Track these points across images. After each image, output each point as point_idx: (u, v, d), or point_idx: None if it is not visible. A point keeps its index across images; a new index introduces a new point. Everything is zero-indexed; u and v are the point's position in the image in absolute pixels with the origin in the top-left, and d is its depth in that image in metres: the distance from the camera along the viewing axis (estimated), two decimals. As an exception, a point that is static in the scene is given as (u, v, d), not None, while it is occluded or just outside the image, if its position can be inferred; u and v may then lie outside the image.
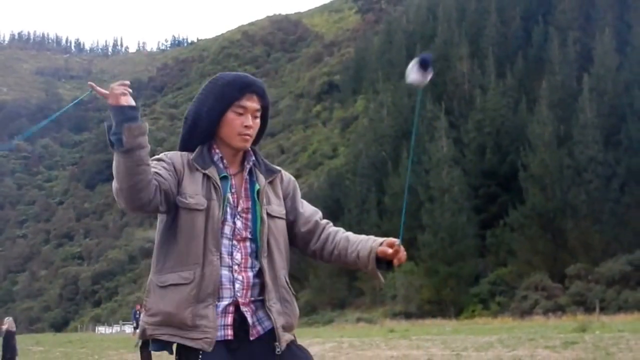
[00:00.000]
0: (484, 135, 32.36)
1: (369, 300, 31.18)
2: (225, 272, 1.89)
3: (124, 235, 74.15)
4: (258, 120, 2.01)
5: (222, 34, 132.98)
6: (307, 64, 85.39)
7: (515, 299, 26.23)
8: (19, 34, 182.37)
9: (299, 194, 2.12)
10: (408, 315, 26.59)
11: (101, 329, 44.84)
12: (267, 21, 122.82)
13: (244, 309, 1.89)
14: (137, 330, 1.99)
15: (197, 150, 1.97)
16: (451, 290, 27.54)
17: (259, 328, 1.91)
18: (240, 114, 1.97)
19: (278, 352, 1.90)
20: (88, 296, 65.78)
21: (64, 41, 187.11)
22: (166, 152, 1.99)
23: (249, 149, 2.03)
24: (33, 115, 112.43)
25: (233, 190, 1.96)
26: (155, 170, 1.85)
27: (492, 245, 29.62)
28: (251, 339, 1.89)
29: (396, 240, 1.91)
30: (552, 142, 28.65)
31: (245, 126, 1.96)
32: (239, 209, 1.95)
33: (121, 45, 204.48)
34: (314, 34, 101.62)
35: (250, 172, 2.01)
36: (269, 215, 1.97)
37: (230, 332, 1.87)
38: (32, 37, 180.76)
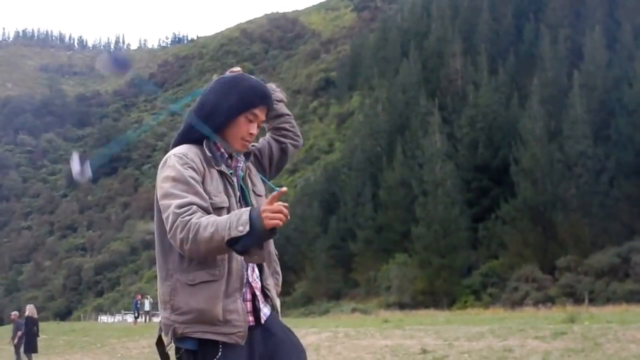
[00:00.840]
0: (476, 130, 32.69)
1: (363, 291, 31.58)
2: (239, 259, 1.92)
3: (125, 228, 74.66)
4: (257, 129, 2.07)
5: (221, 32, 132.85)
6: (304, 61, 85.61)
7: (506, 290, 26.54)
8: (23, 31, 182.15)
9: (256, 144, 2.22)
10: (402, 306, 26.85)
11: (103, 318, 45.18)
12: (265, 19, 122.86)
13: (257, 293, 1.97)
14: (161, 330, 1.96)
15: (205, 145, 1.99)
16: (444, 282, 27.87)
17: (263, 315, 1.98)
18: (250, 121, 2.00)
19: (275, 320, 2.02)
20: (91, 286, 66.31)
21: (67, 38, 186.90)
22: (185, 153, 1.95)
23: None
24: (37, 111, 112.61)
25: (237, 186, 2.02)
26: (201, 210, 1.84)
27: (484, 237, 29.95)
28: (262, 322, 1.97)
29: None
30: (543, 136, 28.97)
31: (250, 133, 2.01)
32: (239, 202, 2.00)
33: (123, 42, 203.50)
34: (310, 32, 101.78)
35: (236, 161, 2.07)
36: (256, 195, 2.06)
37: (251, 318, 1.93)
38: (36, 34, 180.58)
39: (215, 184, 1.93)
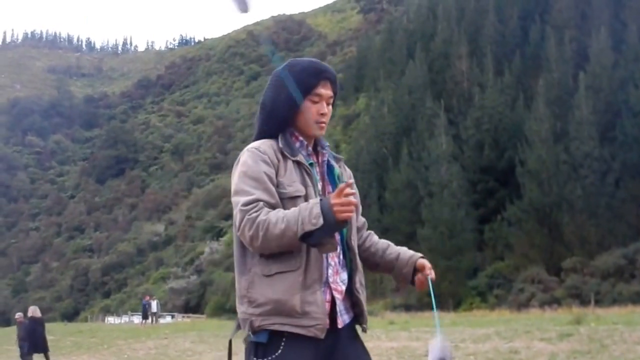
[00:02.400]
0: (482, 132, 32.71)
1: (369, 293, 31.41)
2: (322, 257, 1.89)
3: (132, 229, 75.05)
4: (331, 107, 2.00)
5: (228, 34, 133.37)
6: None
7: (512, 292, 26.55)
8: (31, 33, 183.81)
9: (355, 185, 2.05)
10: (408, 308, 26.90)
11: (110, 319, 45.41)
12: (271, 21, 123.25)
13: (336, 295, 1.88)
14: (239, 323, 1.91)
15: (280, 138, 1.95)
16: (450, 283, 27.89)
17: (340, 320, 1.90)
18: (316, 102, 1.95)
19: (365, 329, 1.98)
20: (98, 287, 66.65)
21: (75, 40, 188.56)
22: (257, 147, 1.92)
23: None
24: (45, 112, 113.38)
25: (319, 177, 1.97)
26: (269, 203, 1.82)
27: (490, 239, 29.97)
28: (339, 327, 1.88)
29: (428, 264, 2.01)
30: (549, 138, 28.97)
31: (322, 114, 1.95)
32: (326, 193, 1.94)
33: (131, 44, 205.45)
34: (317, 34, 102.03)
35: (327, 157, 2.03)
36: None
37: (327, 320, 1.85)
38: (44, 36, 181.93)
39: (289, 174, 1.89)
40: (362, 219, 2.10)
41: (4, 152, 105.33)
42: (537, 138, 28.99)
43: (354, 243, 1.96)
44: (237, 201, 1.84)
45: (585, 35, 32.35)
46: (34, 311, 13.25)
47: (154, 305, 31.91)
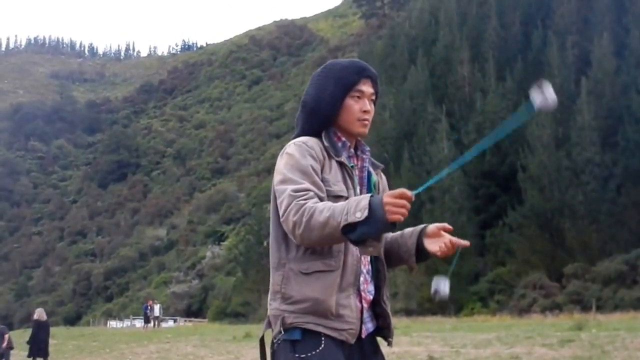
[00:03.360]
0: (484, 137, 32.65)
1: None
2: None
3: (134, 233, 75.15)
4: (373, 106, 1.98)
5: (230, 39, 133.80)
6: (312, 68, 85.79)
7: (513, 298, 26.55)
8: (34, 38, 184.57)
9: None
10: (409, 313, 26.94)
11: (112, 323, 45.52)
12: (273, 26, 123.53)
13: (364, 304, 1.87)
14: (269, 320, 1.87)
15: (324, 136, 1.92)
16: (451, 289, 27.75)
17: (364, 329, 1.87)
18: (358, 99, 1.93)
19: (391, 342, 1.93)
20: (100, 291, 66.76)
21: (78, 45, 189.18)
22: (305, 141, 1.89)
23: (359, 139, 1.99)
24: (48, 117, 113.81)
25: (357, 181, 1.94)
26: (318, 195, 1.79)
27: (491, 244, 29.97)
28: (362, 337, 1.86)
29: (450, 228, 1.91)
30: (551, 144, 28.98)
31: (364, 111, 1.93)
32: None
33: (133, 49, 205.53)
34: (319, 39, 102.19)
35: (365, 162, 1.98)
36: None
37: (359, 326, 1.84)
38: (47, 42, 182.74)
39: (334, 173, 1.86)
40: None
41: (7, 157, 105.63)
42: (539, 143, 29.01)
43: (384, 257, 1.92)
44: (285, 188, 1.78)
45: (587, 40, 32.39)
46: (39, 314, 13.19)
47: (157, 310, 31.95)
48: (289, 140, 1.95)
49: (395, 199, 1.62)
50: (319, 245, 1.76)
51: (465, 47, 36.62)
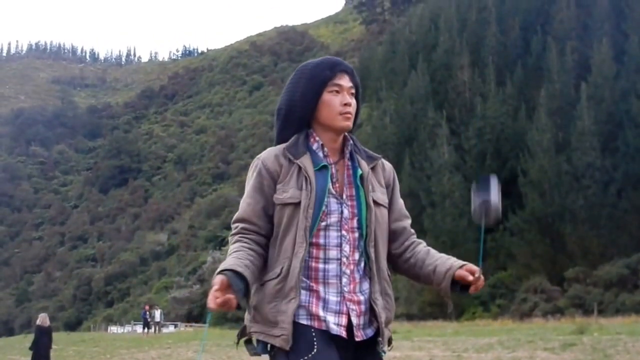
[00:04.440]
0: (484, 142, 32.78)
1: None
2: (332, 266, 1.80)
3: (135, 238, 75.16)
4: (354, 100, 1.90)
5: (231, 44, 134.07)
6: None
7: (515, 302, 26.55)
8: (36, 44, 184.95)
9: (398, 186, 2.00)
10: (410, 317, 26.90)
11: (113, 329, 45.47)
12: (274, 32, 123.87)
13: (350, 306, 1.80)
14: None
15: (292, 139, 1.87)
16: (452, 293, 27.83)
17: (360, 333, 1.80)
18: (337, 92, 1.87)
19: (382, 348, 1.84)
20: (101, 297, 66.70)
21: (79, 51, 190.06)
22: (260, 156, 1.88)
23: (347, 134, 1.92)
24: (49, 122, 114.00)
25: (335, 180, 1.86)
26: (251, 223, 1.84)
27: (492, 249, 29.95)
28: (356, 340, 1.80)
29: (477, 269, 1.86)
30: (551, 148, 29.03)
31: (345, 104, 1.86)
32: (344, 197, 1.84)
33: (134, 54, 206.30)
34: (319, 44, 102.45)
35: (352, 158, 1.91)
36: (374, 202, 1.86)
37: (343, 332, 1.78)
38: (48, 47, 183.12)
39: (289, 178, 1.81)
40: (403, 224, 1.97)
41: (8, 162, 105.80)
42: (539, 148, 29.04)
43: (375, 252, 1.84)
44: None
45: (586, 46, 32.49)
46: (42, 319, 12.95)
47: (157, 315, 31.91)
48: None
49: (212, 289, 1.64)
50: None
51: (465, 52, 36.72)
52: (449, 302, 1.94)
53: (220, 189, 74.35)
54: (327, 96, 1.87)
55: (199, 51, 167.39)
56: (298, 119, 1.88)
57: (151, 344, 20.65)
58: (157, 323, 31.67)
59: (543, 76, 32.91)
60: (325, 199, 1.81)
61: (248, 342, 1.82)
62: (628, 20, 32.50)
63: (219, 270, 1.72)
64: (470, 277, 1.85)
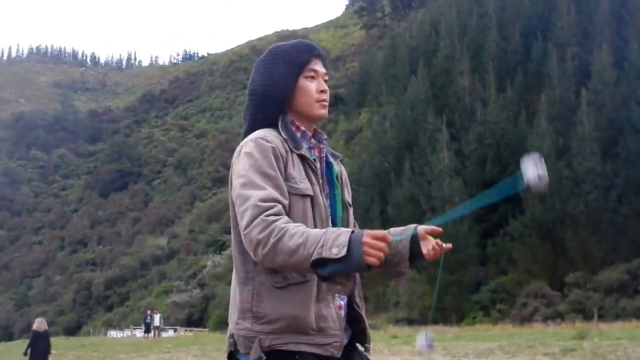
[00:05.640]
0: (484, 147, 32.84)
1: (372, 307, 31.60)
2: None
3: (135, 243, 75.07)
4: (327, 88, 1.78)
5: (232, 49, 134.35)
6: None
7: (515, 307, 26.53)
8: (37, 47, 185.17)
9: (349, 188, 1.87)
10: (410, 322, 26.86)
11: (113, 333, 45.35)
12: (274, 36, 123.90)
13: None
14: (235, 341, 1.64)
15: (282, 128, 1.71)
16: (453, 298, 27.87)
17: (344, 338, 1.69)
18: (312, 79, 1.75)
19: (366, 352, 1.75)
20: (101, 301, 66.55)
21: (80, 55, 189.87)
22: (262, 136, 1.67)
23: (316, 127, 1.80)
24: (49, 126, 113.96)
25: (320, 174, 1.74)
26: (284, 205, 1.58)
27: (492, 254, 29.99)
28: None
29: (440, 230, 1.72)
30: (551, 154, 29.01)
31: (322, 91, 1.75)
32: (322, 194, 1.70)
33: (135, 58, 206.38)
34: (320, 49, 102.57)
35: (326, 153, 1.79)
36: (344, 202, 1.77)
37: (343, 336, 1.67)
38: (49, 51, 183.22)
39: (298, 169, 1.66)
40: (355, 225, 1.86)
41: (8, 166, 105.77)
42: (540, 154, 28.98)
43: None
44: (248, 195, 1.58)
45: (587, 52, 32.61)
46: (39, 324, 12.48)
47: (157, 319, 31.87)
48: (242, 137, 1.76)
49: (375, 241, 1.43)
50: (279, 269, 1.55)
51: (465, 58, 36.83)
52: (401, 270, 1.74)
53: (220, 193, 74.33)
54: (303, 82, 1.73)
55: (200, 55, 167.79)
56: (276, 101, 1.72)
57: (151, 348, 20.60)
58: (157, 327, 31.63)
59: (543, 82, 33.00)
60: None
61: (266, 354, 1.58)
62: (628, 27, 32.64)
63: (340, 236, 1.45)
64: (439, 230, 1.71)
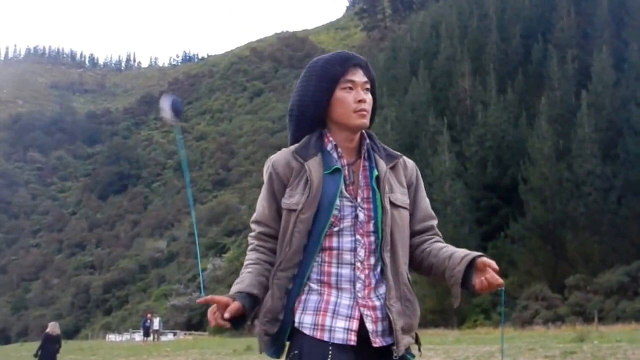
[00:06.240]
0: (485, 149, 32.85)
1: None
2: (345, 270, 1.75)
3: (134, 245, 74.92)
4: (370, 95, 1.84)
5: (232, 50, 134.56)
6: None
7: (516, 309, 26.50)
8: (34, 48, 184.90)
9: (422, 184, 1.92)
10: (411, 324, 26.81)
11: (111, 337, 45.27)
12: (275, 38, 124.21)
13: (365, 312, 1.73)
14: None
15: (303, 140, 1.82)
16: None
17: (378, 340, 1.73)
18: (350, 89, 1.80)
19: (395, 357, 1.74)
20: (99, 304, 66.39)
21: (78, 56, 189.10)
22: (272, 157, 1.84)
23: (365, 132, 1.86)
24: (47, 128, 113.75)
25: (348, 182, 1.79)
26: (261, 231, 1.84)
27: (493, 256, 29.05)
28: (374, 345, 1.73)
29: (496, 267, 1.75)
30: (552, 156, 29.08)
31: (359, 100, 1.79)
32: (359, 199, 1.78)
33: (134, 60, 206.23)
34: (320, 51, 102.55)
35: (369, 158, 1.83)
36: (392, 204, 1.79)
37: (353, 337, 1.71)
38: (47, 52, 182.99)
39: (297, 182, 1.76)
40: (429, 224, 1.93)
41: (5, 168, 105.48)
42: (540, 156, 29.11)
43: (391, 256, 1.77)
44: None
45: (587, 54, 32.64)
46: (52, 328, 13.03)
47: (156, 323, 31.81)
48: None
49: (211, 310, 1.69)
50: None
51: (466, 60, 36.85)
52: (455, 291, 1.77)
53: (220, 196, 74.33)
54: (340, 93, 1.80)
55: (199, 57, 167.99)
56: (311, 119, 1.82)
57: (150, 352, 20.55)
58: (156, 331, 31.56)
59: (544, 84, 33.03)
60: (338, 203, 1.74)
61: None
62: (628, 29, 32.66)
63: (236, 288, 1.77)
64: (495, 268, 1.73)
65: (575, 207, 27.48)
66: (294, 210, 1.74)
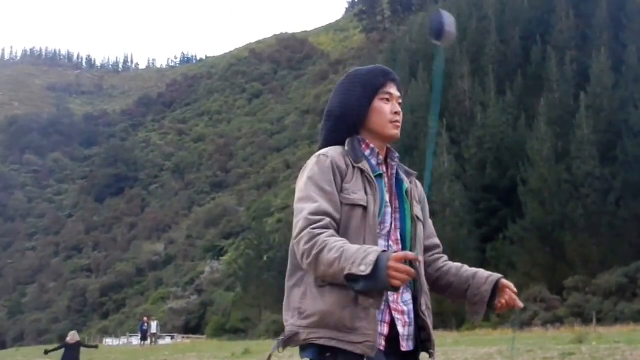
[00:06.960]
0: (484, 151, 32.89)
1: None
2: None
3: (132, 248, 74.72)
4: (401, 110, 1.96)
5: (230, 52, 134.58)
6: (313, 82, 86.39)
7: (515, 311, 26.42)
8: (31, 50, 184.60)
9: (427, 204, 2.04)
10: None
11: (109, 341, 45.13)
12: (274, 40, 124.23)
13: (396, 316, 1.78)
14: (280, 339, 1.82)
15: (348, 143, 1.88)
16: (452, 302, 27.74)
17: (405, 344, 1.79)
18: (388, 101, 1.92)
19: (432, 359, 1.85)
20: (96, 308, 66.24)
21: (75, 57, 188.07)
22: (325, 152, 1.86)
23: (389, 146, 1.97)
24: (44, 130, 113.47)
25: (386, 189, 1.87)
26: (334, 218, 1.76)
27: (492, 258, 29.95)
28: (402, 350, 1.79)
29: (514, 290, 1.89)
30: (551, 157, 29.12)
31: (395, 112, 1.93)
32: (393, 208, 1.87)
33: (131, 61, 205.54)
34: (319, 53, 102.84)
35: (397, 170, 1.95)
36: (414, 216, 1.89)
37: (383, 342, 1.75)
38: (44, 53, 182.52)
39: (354, 181, 1.81)
40: (436, 241, 2.04)
41: (1, 171, 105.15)
42: (539, 157, 29.15)
43: (418, 266, 1.84)
44: (302, 208, 1.76)
45: (586, 56, 32.71)
46: (71, 337, 13.17)
47: (154, 326, 31.72)
48: (311, 153, 1.95)
49: (397, 264, 1.57)
50: (322, 279, 1.73)
51: (465, 61, 36.91)
52: (479, 311, 1.93)
53: (218, 198, 74.25)
54: (378, 103, 1.91)
55: (198, 58, 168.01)
56: (351, 123, 1.91)
57: (147, 356, 20.48)
58: (154, 335, 31.47)
59: (543, 85, 33.08)
60: (384, 208, 1.83)
61: (303, 348, 1.78)
62: (626, 31, 32.73)
63: (369, 256, 1.59)
64: (514, 290, 1.89)
65: (574, 209, 27.51)
66: (360, 207, 1.78)
